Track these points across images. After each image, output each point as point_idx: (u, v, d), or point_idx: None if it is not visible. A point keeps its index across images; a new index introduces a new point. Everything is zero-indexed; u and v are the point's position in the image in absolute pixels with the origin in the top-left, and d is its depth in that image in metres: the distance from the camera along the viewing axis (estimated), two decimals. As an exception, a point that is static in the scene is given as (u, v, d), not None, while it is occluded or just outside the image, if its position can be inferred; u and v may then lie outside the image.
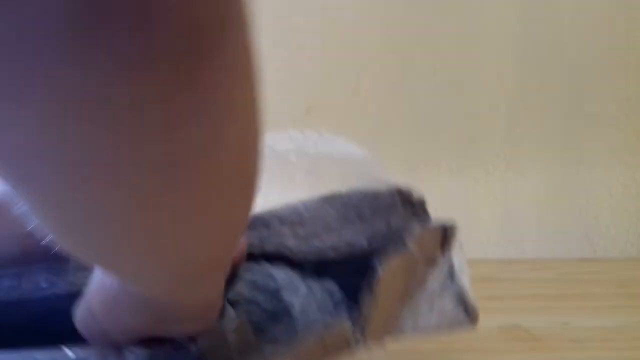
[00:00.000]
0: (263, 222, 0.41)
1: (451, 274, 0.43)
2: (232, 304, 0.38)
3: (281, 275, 0.40)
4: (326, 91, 0.81)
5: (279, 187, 0.44)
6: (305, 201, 0.43)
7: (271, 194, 0.41)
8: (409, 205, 0.46)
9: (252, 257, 0.40)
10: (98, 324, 0.33)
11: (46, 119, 0.20)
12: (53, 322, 0.36)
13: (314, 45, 0.80)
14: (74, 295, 0.34)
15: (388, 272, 0.39)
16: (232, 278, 0.39)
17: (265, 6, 0.85)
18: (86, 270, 0.35)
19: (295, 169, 0.45)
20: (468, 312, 0.42)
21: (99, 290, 0.33)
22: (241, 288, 0.39)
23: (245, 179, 0.28)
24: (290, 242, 0.42)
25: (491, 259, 0.82)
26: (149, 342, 0.34)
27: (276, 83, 0.81)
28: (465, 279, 0.43)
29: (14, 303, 0.37)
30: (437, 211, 0.88)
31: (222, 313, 0.37)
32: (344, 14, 0.79)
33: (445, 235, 0.44)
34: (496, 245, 0.84)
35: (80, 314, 0.34)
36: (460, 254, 0.44)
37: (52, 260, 0.36)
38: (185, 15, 0.19)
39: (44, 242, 0.30)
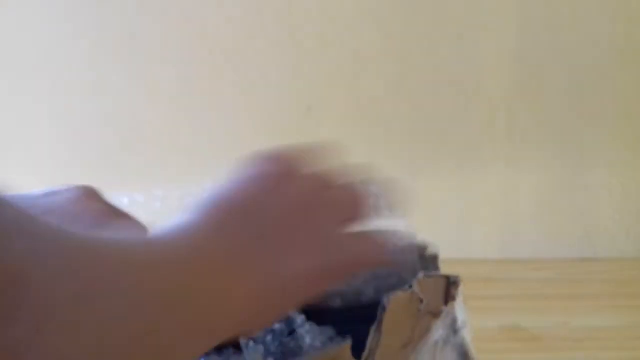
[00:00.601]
0: None
1: (454, 328, 0.43)
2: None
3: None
4: (326, 91, 0.81)
5: None
6: None
7: None
8: (422, 259, 0.47)
9: None
10: None
11: None
12: None
13: (314, 45, 0.80)
14: None
15: (394, 308, 0.40)
16: None
17: (265, 6, 0.85)
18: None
19: None
20: None
21: None
22: None
23: None
24: None
25: (491, 259, 0.82)
26: None
27: (276, 83, 0.81)
28: (467, 335, 0.44)
29: None
30: (437, 211, 0.89)
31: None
32: (344, 14, 0.79)
33: (449, 287, 0.44)
34: (496, 245, 0.84)
35: None
36: (463, 310, 0.44)
37: None
38: None
39: None
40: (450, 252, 0.87)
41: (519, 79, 0.81)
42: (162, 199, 0.80)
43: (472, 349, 0.43)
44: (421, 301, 0.41)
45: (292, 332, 0.40)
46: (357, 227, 0.38)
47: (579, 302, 0.69)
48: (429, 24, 0.80)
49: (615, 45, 0.80)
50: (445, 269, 0.75)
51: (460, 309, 0.44)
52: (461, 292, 0.44)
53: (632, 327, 0.63)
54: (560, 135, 0.82)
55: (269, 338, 0.40)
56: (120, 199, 0.41)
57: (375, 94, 0.82)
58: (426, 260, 0.47)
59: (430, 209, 0.83)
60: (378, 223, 0.42)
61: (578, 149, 0.82)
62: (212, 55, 0.80)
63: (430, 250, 0.47)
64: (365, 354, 0.39)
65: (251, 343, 0.38)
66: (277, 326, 0.40)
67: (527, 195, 0.83)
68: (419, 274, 0.42)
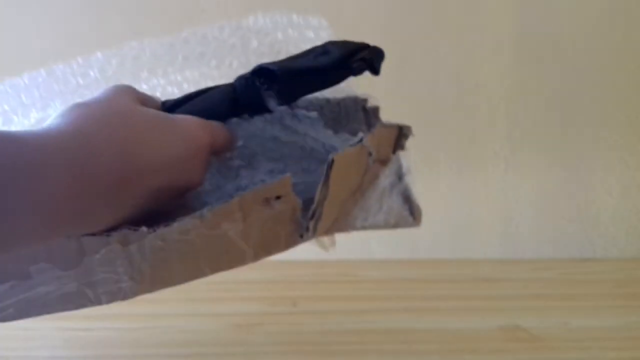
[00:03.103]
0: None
1: (399, 174, 0.45)
2: None
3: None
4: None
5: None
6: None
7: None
8: (363, 111, 0.48)
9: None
10: None
11: None
12: None
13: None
14: None
15: (341, 164, 0.41)
16: None
17: (265, 7, 0.85)
18: None
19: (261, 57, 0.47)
20: (412, 211, 0.45)
21: None
22: None
23: None
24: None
25: (491, 259, 0.82)
26: None
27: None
28: (411, 181, 0.46)
29: None
30: (437, 211, 0.89)
31: None
32: (344, 14, 0.79)
33: (399, 137, 0.46)
34: (496, 245, 0.84)
35: None
36: (408, 159, 0.46)
37: None
38: None
39: None
40: (450, 252, 0.88)
41: (519, 78, 0.81)
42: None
43: (415, 194, 0.45)
44: (370, 154, 0.43)
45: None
46: None
47: (579, 302, 0.69)
48: (429, 23, 0.80)
49: (615, 45, 0.80)
50: (445, 269, 0.75)
51: (405, 157, 0.46)
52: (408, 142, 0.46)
53: (632, 327, 0.63)
54: (561, 136, 0.82)
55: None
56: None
57: (375, 93, 0.82)
58: (367, 112, 0.49)
59: (430, 209, 0.83)
60: None
61: (578, 149, 0.82)
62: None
63: (371, 102, 0.49)
64: (313, 206, 0.41)
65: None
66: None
67: (527, 195, 0.83)
68: (374, 127, 0.45)
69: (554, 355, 0.58)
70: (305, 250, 0.84)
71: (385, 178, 0.45)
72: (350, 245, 0.85)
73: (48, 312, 0.38)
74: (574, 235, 0.83)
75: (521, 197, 0.83)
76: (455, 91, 0.81)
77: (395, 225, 0.46)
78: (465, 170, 0.83)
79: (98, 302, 0.38)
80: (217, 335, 0.62)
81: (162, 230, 0.37)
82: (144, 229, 0.37)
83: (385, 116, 0.82)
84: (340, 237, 0.84)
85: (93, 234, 0.36)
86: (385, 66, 0.82)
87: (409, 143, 0.85)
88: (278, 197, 0.40)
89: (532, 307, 0.68)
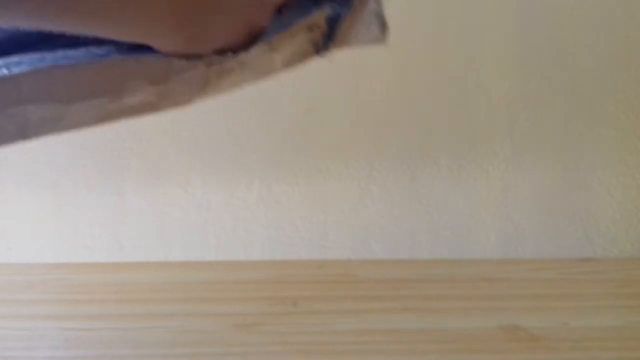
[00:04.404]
0: None
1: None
2: None
3: None
4: (326, 91, 0.81)
5: None
6: None
7: None
8: None
9: None
10: None
11: None
12: None
13: (314, 45, 0.80)
14: None
15: None
16: None
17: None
18: None
19: None
20: (383, 30, 0.53)
21: None
22: None
23: None
24: None
25: (491, 259, 0.82)
26: None
27: (276, 83, 0.81)
28: (383, 3, 0.53)
29: None
30: (437, 211, 0.88)
31: None
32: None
33: None
34: (496, 245, 0.84)
35: None
36: None
37: None
38: None
39: None
40: (450, 252, 0.88)
41: (519, 79, 0.81)
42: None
43: (386, 14, 0.52)
44: None
45: None
46: None
47: (579, 302, 0.69)
48: (429, 23, 0.80)
49: (615, 45, 0.80)
50: (445, 269, 0.76)
51: None
52: None
53: (632, 327, 0.63)
54: (561, 135, 0.82)
55: None
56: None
57: (375, 93, 0.82)
58: None
59: (430, 209, 0.83)
60: None
61: (578, 149, 0.82)
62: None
63: None
64: (336, 33, 0.48)
65: None
66: None
67: (527, 195, 0.83)
68: None
69: (554, 355, 0.58)
70: (306, 251, 0.85)
71: (371, 5, 0.52)
72: (350, 245, 0.86)
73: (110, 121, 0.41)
74: (574, 235, 0.83)
75: (521, 197, 0.83)
76: (455, 91, 0.81)
77: (371, 41, 0.53)
78: (465, 170, 0.83)
79: (160, 109, 0.42)
80: (217, 335, 0.62)
81: (242, 56, 0.42)
82: (229, 54, 0.41)
83: (386, 116, 0.83)
84: (340, 237, 0.84)
85: (186, 58, 0.39)
86: (385, 66, 0.82)
87: (409, 143, 0.85)
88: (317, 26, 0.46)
89: (532, 307, 0.68)
